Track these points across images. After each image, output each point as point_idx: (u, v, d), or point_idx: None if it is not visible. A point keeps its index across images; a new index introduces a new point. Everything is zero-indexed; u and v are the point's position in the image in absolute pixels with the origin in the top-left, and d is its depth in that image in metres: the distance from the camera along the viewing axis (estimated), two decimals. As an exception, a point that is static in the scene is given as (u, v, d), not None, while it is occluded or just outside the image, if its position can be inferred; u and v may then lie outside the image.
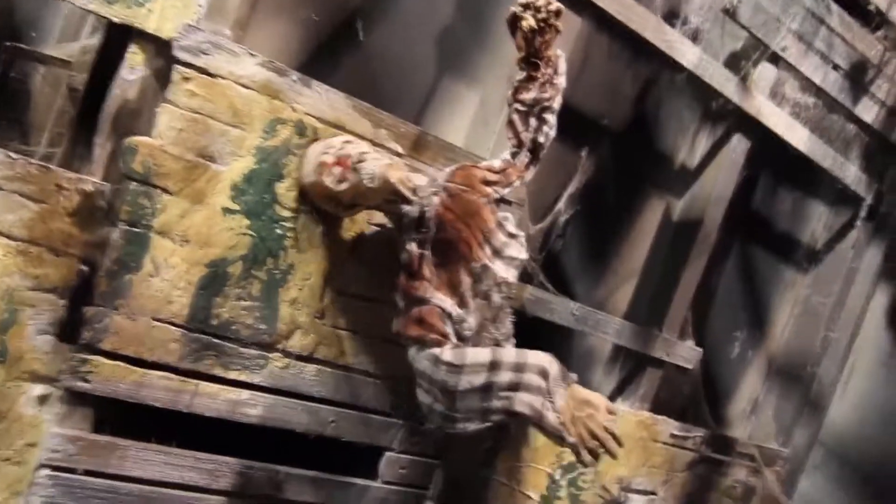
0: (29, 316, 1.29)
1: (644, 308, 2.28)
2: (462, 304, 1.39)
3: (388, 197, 1.36)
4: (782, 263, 2.70)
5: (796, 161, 2.40)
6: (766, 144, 2.31)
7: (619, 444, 1.24)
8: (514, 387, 1.24)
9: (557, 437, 1.24)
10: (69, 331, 1.34)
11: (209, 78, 1.35)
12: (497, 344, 1.44)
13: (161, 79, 1.36)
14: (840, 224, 2.69)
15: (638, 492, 2.24)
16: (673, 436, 2.29)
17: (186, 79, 1.33)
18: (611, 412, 1.25)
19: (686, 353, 2.31)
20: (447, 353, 1.30)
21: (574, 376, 1.27)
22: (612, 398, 2.28)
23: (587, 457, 1.24)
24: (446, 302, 1.37)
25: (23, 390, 1.30)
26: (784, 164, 2.44)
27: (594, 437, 1.22)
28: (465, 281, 1.40)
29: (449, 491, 1.81)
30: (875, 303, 2.75)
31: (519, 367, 1.25)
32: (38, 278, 1.30)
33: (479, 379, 1.26)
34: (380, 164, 1.32)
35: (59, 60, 2.08)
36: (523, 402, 1.24)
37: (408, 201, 1.37)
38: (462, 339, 1.40)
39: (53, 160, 1.50)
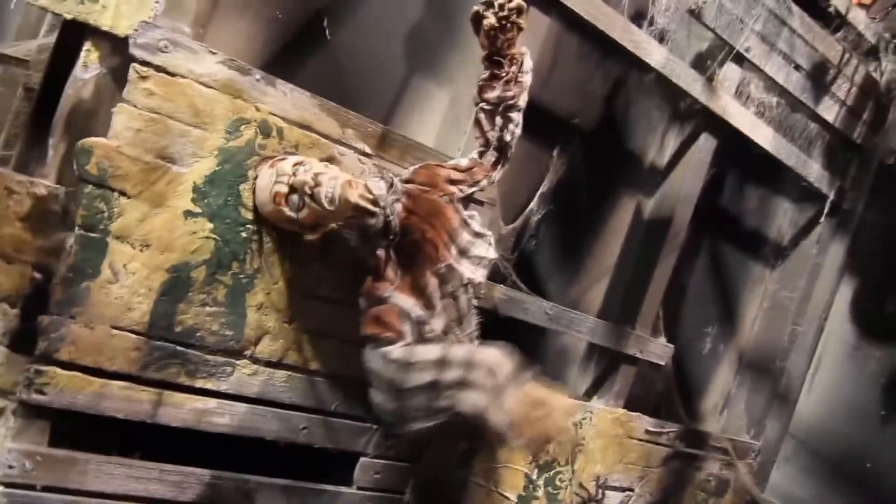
0: (-21, 326, 1.24)
1: (617, 306, 2.30)
2: (428, 305, 1.38)
3: (352, 214, 1.33)
4: (750, 259, 2.75)
5: (761, 159, 2.45)
6: (732, 143, 2.35)
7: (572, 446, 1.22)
8: (461, 385, 1.22)
9: (501, 439, 1.22)
10: (23, 341, 1.28)
11: (168, 76, 1.31)
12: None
13: (118, 78, 1.32)
14: (805, 220, 2.76)
15: (614, 488, 2.26)
16: (648, 432, 2.31)
17: (144, 77, 1.29)
18: (568, 412, 1.22)
19: (659, 350, 2.34)
20: (397, 350, 1.29)
21: (529, 374, 1.22)
22: (587, 396, 2.30)
23: (537, 455, 1.22)
24: (407, 302, 1.35)
25: (-26, 404, 1.24)
26: (750, 162, 2.50)
27: (547, 438, 1.20)
28: (432, 282, 1.39)
29: (425, 494, 1.80)
30: (840, 296, 2.83)
31: (468, 365, 1.22)
32: (-11, 287, 1.25)
33: (426, 377, 1.24)
34: (336, 185, 1.28)
35: (15, 59, 2.01)
36: (469, 400, 1.21)
37: (372, 214, 1.34)
38: (425, 342, 1.38)
39: (9, 163, 1.44)
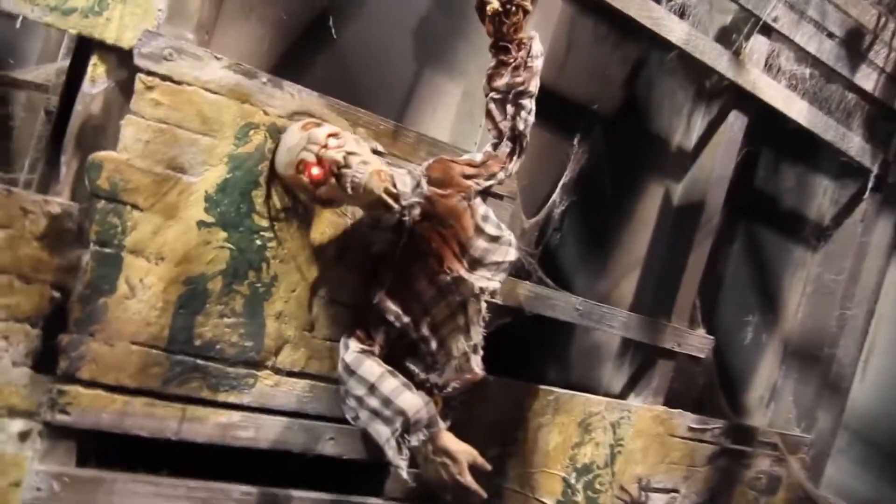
0: (2, 348, 1.24)
1: (650, 298, 2.22)
2: (420, 313, 1.37)
3: (371, 204, 1.33)
4: (790, 242, 2.63)
5: (797, 135, 2.34)
6: (765, 120, 2.25)
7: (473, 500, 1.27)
8: (375, 414, 1.31)
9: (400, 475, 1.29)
10: (46, 361, 1.28)
11: (174, 85, 1.29)
12: (466, 355, 1.41)
13: (126, 91, 1.31)
14: (847, 197, 2.63)
15: (659, 490, 2.17)
16: (691, 429, 2.22)
17: (150, 87, 1.28)
18: (476, 466, 1.28)
19: (697, 342, 2.25)
20: (351, 354, 1.35)
21: (443, 426, 1.30)
22: (624, 393, 2.22)
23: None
24: (391, 312, 1.36)
25: (1, 427, 1.24)
26: (784, 138, 2.38)
27: (441, 481, 1.28)
28: (429, 291, 1.37)
29: (459, 502, 1.75)
30: (890, 277, 2.68)
31: (385, 402, 1.29)
32: (10, 308, 1.25)
33: (358, 391, 1.33)
34: (364, 173, 1.27)
35: (34, 84, 2.05)
36: (375, 429, 1.31)
37: (390, 209, 1.33)
38: (408, 346, 1.39)
39: (32, 186, 1.45)
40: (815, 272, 2.65)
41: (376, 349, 1.37)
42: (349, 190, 1.27)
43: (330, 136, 1.30)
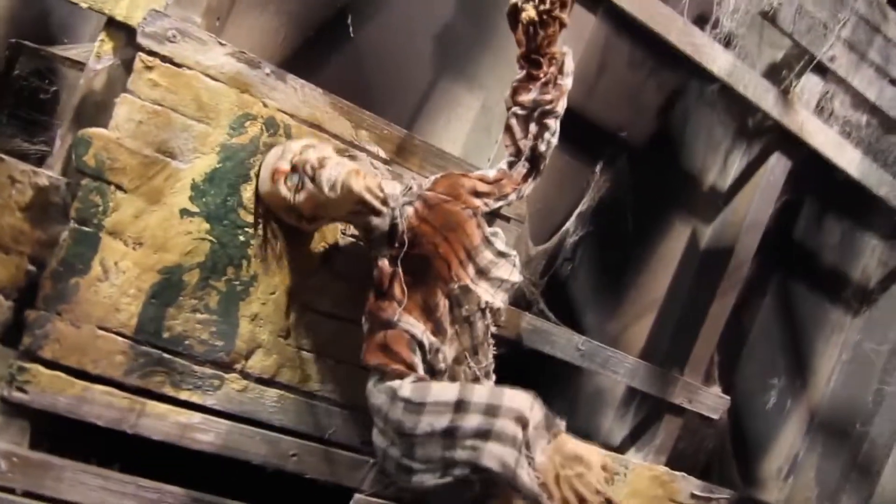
0: (-29, 317, 1.27)
1: (663, 346, 2.15)
2: (437, 331, 1.27)
3: (354, 208, 1.25)
4: (828, 302, 2.52)
5: (846, 186, 2.25)
6: (811, 166, 2.18)
7: None
8: (484, 435, 1.05)
9: (534, 502, 1.04)
10: (15, 335, 1.31)
11: (174, 67, 1.32)
12: (475, 380, 1.32)
13: (131, 70, 1.35)
14: (898, 260, 2.52)
15: (652, 558, 2.08)
16: (694, 496, 2.12)
17: (149, 67, 1.31)
18: (607, 470, 1.04)
19: (711, 401, 2.16)
20: (406, 387, 1.14)
21: (562, 424, 1.06)
22: (623, 447, 2.14)
23: None
24: (417, 328, 1.25)
25: (-39, 398, 1.27)
26: (831, 189, 2.30)
27: (583, 501, 1.02)
28: (442, 304, 1.29)
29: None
30: (941, 354, 2.54)
31: (491, 411, 1.05)
32: (-16, 277, 1.29)
33: (441, 422, 1.08)
34: (342, 171, 1.21)
35: (72, 61, 2.14)
36: (493, 455, 1.04)
37: (377, 212, 1.26)
38: (435, 373, 1.28)
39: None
40: (855, 339, 2.54)
41: (426, 375, 1.19)
42: (326, 189, 1.20)
43: (306, 146, 1.29)
